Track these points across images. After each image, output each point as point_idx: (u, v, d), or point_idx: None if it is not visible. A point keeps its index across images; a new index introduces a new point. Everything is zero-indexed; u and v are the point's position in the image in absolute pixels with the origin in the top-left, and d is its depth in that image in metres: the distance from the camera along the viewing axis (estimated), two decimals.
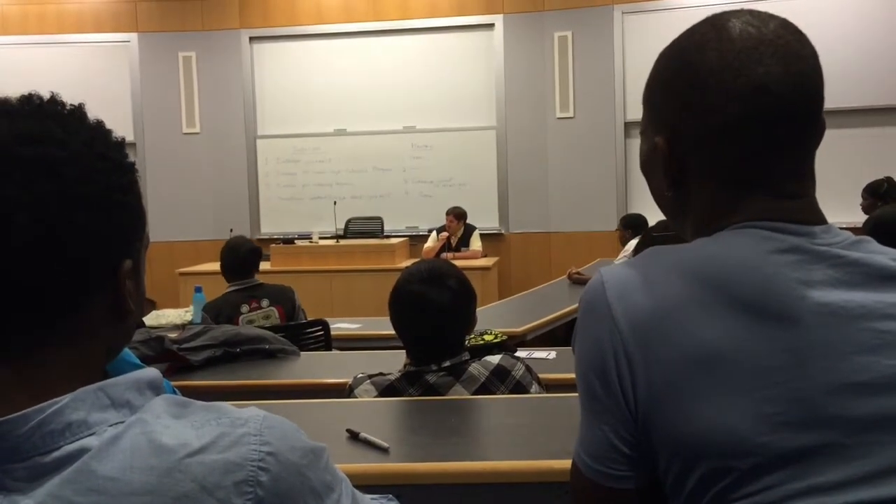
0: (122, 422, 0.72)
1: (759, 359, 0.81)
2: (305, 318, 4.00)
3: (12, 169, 0.71)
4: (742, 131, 0.88)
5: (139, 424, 0.71)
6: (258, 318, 3.78)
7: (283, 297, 3.93)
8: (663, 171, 0.94)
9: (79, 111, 0.78)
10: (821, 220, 0.89)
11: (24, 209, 0.71)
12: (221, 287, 4.11)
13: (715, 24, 0.90)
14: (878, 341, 0.82)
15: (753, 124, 0.87)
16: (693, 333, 0.83)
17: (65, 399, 0.70)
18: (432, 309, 2.03)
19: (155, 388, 0.77)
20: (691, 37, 0.92)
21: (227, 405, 0.77)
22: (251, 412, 0.76)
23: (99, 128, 0.79)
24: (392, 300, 2.10)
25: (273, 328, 3.48)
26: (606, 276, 0.90)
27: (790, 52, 0.87)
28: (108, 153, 0.77)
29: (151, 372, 0.79)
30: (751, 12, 0.91)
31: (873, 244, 0.88)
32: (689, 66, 0.90)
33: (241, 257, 3.90)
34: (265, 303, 3.84)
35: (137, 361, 2.52)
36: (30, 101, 0.77)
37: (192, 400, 0.77)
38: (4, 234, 0.70)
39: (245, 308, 3.79)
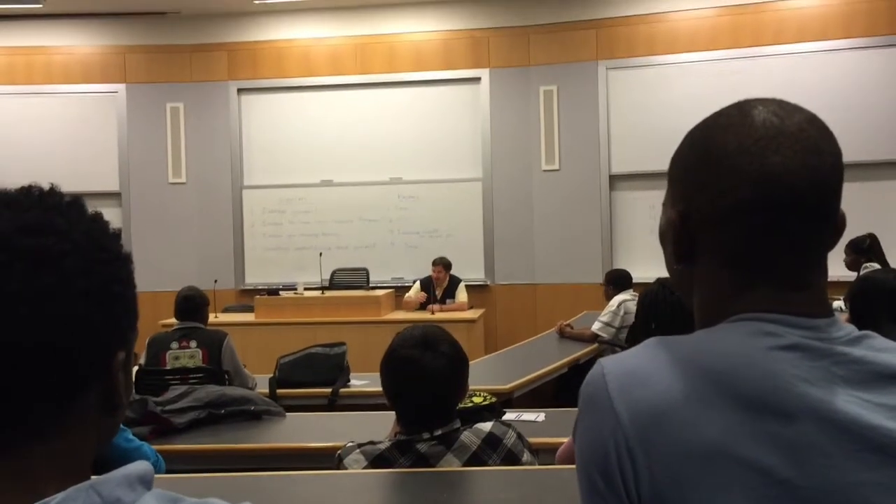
0: None
1: (760, 456, 0.81)
2: (237, 365, 4.40)
3: (14, 260, 0.70)
4: (750, 217, 0.88)
5: None
6: (184, 356, 4.35)
7: (210, 342, 4.39)
8: (673, 245, 0.94)
9: (78, 202, 0.78)
10: (826, 312, 0.89)
11: (25, 302, 0.69)
12: None
13: (742, 109, 0.91)
14: (880, 440, 0.82)
15: (762, 211, 0.87)
16: (694, 430, 0.82)
17: (55, 499, 0.68)
18: (427, 375, 2.00)
19: (146, 483, 0.75)
20: (717, 118, 0.93)
21: (218, 500, 0.75)
22: None
23: (98, 219, 0.78)
24: (385, 366, 2.07)
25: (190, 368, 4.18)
26: (608, 368, 0.89)
27: (810, 146, 0.88)
28: (108, 244, 0.77)
29: (142, 465, 0.77)
30: (780, 103, 0.91)
31: (878, 340, 0.88)
32: (708, 146, 0.91)
33: (178, 303, 4.57)
34: (193, 344, 4.36)
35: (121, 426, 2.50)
36: (30, 193, 0.76)
37: (183, 496, 0.75)
38: (4, 327, 0.69)
39: (175, 345, 4.38)
